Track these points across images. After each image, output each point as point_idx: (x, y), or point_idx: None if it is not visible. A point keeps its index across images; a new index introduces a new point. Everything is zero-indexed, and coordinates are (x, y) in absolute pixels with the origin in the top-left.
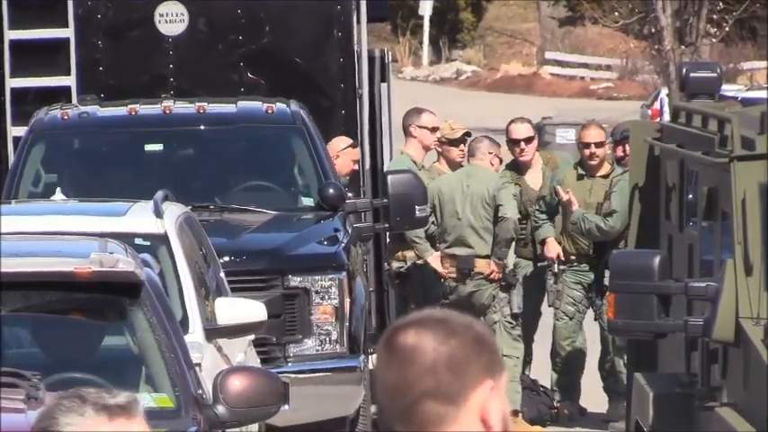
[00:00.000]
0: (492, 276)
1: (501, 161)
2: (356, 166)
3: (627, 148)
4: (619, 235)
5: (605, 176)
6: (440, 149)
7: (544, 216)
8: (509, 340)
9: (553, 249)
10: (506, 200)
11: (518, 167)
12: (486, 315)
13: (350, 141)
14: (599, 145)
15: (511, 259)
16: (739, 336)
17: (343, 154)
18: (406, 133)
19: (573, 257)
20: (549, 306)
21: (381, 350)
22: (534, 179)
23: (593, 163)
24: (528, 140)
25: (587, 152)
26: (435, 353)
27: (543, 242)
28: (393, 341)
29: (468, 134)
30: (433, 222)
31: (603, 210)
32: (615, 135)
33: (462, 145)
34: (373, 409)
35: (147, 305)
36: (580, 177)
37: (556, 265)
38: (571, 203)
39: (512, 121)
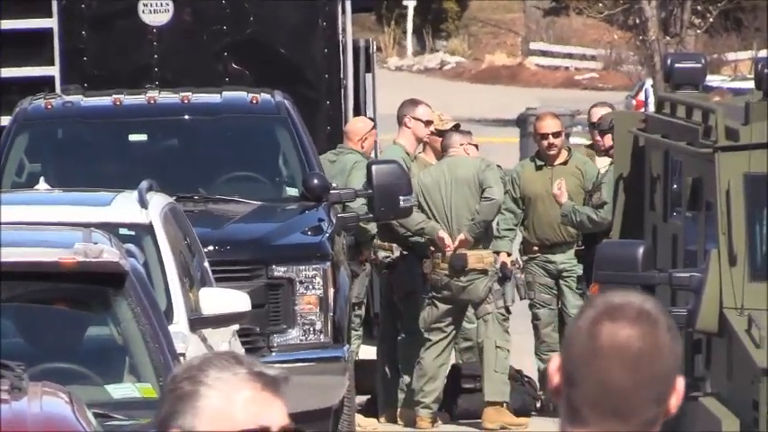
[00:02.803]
0: (486, 268)
1: (477, 148)
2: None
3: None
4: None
5: (564, 163)
6: (427, 140)
7: (506, 228)
8: (501, 332)
9: (502, 261)
10: (494, 181)
11: (597, 150)
12: (480, 306)
13: (370, 123)
14: (556, 135)
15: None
16: (723, 326)
17: (369, 136)
18: (401, 124)
19: (536, 248)
20: (522, 299)
21: None
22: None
23: (551, 153)
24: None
25: (545, 143)
26: None
27: (497, 252)
28: None
29: (457, 126)
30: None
31: (594, 202)
32: (603, 125)
33: None
34: (360, 399)
35: (131, 295)
36: (539, 168)
37: (519, 258)
38: (560, 196)
39: (594, 105)
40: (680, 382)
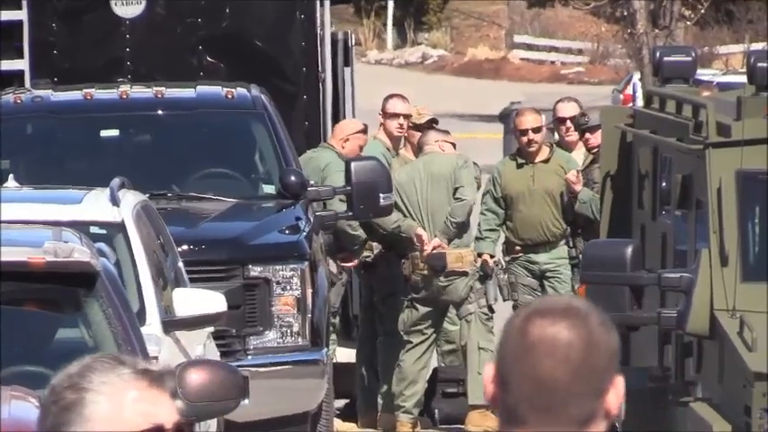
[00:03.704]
0: (465, 269)
1: (454, 146)
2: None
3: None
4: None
5: (546, 161)
6: (406, 135)
7: (488, 229)
8: (484, 332)
9: (483, 259)
10: (466, 181)
11: (565, 147)
12: (462, 306)
13: (361, 126)
14: (536, 130)
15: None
16: (714, 329)
17: (352, 138)
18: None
19: (518, 249)
20: (505, 300)
21: None
22: (580, 159)
23: (531, 149)
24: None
25: (525, 139)
26: None
27: (479, 254)
28: None
29: (434, 120)
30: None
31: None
32: (589, 122)
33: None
34: (339, 403)
35: (102, 296)
36: (520, 166)
37: (501, 259)
38: (576, 184)
39: (559, 100)
40: (619, 381)
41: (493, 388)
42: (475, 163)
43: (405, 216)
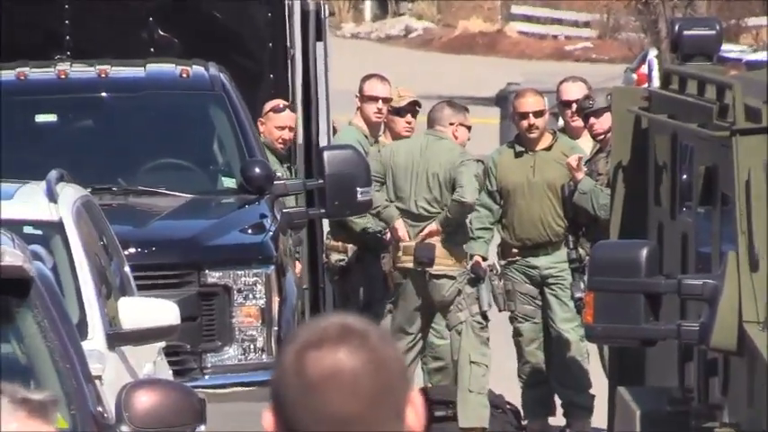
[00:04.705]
0: (454, 267)
1: (469, 129)
2: (287, 135)
3: None
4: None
5: (548, 149)
6: (385, 120)
7: (481, 228)
8: (477, 344)
9: (476, 260)
10: (466, 180)
11: (570, 133)
12: (450, 313)
13: (276, 102)
14: (538, 114)
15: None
16: (743, 343)
17: (265, 119)
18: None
19: (515, 250)
20: (501, 311)
21: None
22: (586, 147)
23: (532, 136)
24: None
25: (525, 124)
26: None
27: (471, 256)
28: None
29: (416, 103)
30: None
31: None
32: (595, 104)
33: (409, 116)
34: None
35: (37, 306)
36: (518, 155)
37: (496, 263)
38: (577, 170)
39: (564, 81)
40: (415, 396)
41: None
42: (480, 160)
43: (389, 201)
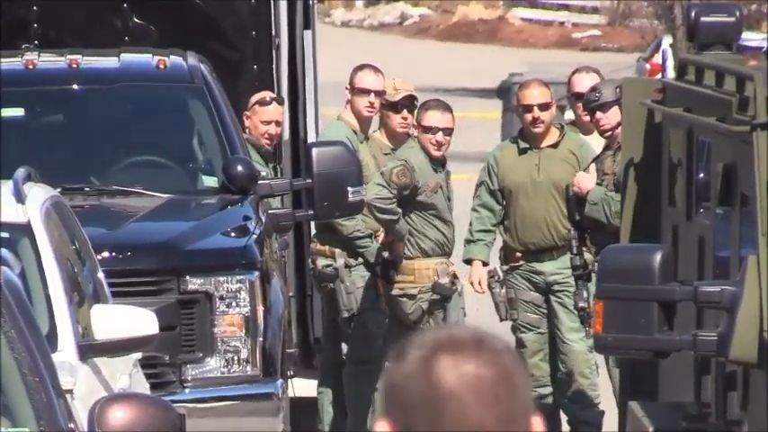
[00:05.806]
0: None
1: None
2: (273, 130)
3: None
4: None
5: (554, 146)
6: (378, 115)
7: (480, 230)
8: None
9: (476, 274)
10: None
11: (582, 129)
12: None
13: (263, 95)
14: (544, 107)
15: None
16: (764, 355)
17: (251, 113)
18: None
19: (518, 255)
20: (503, 320)
21: None
22: (598, 145)
23: (537, 130)
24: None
25: (529, 117)
26: None
27: (469, 261)
28: None
29: (412, 97)
30: None
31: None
32: (603, 97)
33: (405, 111)
34: None
35: (3, 315)
36: (522, 151)
37: (498, 269)
38: (581, 183)
39: (576, 71)
40: (537, 422)
41: None
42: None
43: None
